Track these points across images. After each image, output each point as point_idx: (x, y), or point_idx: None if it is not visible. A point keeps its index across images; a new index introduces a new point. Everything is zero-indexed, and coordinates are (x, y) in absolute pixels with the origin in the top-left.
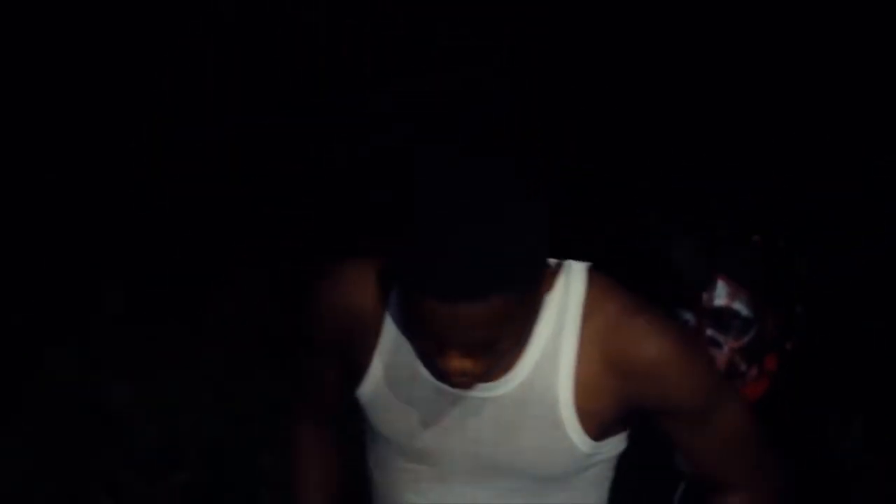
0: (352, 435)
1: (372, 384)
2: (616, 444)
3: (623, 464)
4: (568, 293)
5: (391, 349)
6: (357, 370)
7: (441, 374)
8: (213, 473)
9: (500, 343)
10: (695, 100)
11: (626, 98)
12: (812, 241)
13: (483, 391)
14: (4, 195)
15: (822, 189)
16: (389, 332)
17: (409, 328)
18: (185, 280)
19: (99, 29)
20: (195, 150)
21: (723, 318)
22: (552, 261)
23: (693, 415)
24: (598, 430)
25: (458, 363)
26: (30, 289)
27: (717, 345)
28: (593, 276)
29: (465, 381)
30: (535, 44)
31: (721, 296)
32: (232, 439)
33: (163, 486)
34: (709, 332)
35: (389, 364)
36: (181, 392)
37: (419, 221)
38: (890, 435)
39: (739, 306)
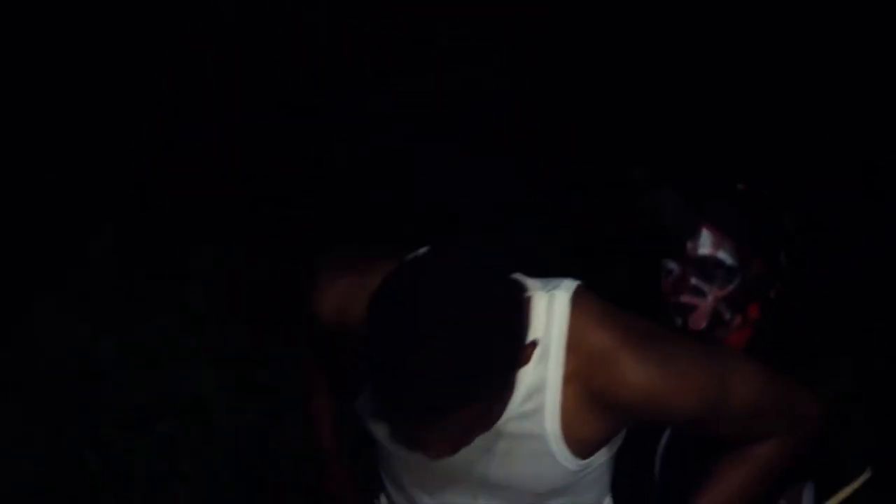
0: None
1: (365, 398)
2: (611, 449)
3: None
4: (551, 327)
5: None
6: (352, 380)
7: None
8: (198, 426)
9: (476, 431)
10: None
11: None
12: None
13: None
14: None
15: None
16: None
17: None
18: (170, 233)
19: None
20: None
21: (707, 267)
22: (538, 291)
23: (699, 419)
24: (589, 450)
25: (433, 450)
26: (14, 242)
27: (702, 294)
28: (577, 304)
29: (445, 455)
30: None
31: (705, 245)
32: (217, 391)
33: (148, 439)
34: (693, 280)
35: None
36: (165, 345)
37: (381, 344)
38: (876, 381)
39: (724, 255)
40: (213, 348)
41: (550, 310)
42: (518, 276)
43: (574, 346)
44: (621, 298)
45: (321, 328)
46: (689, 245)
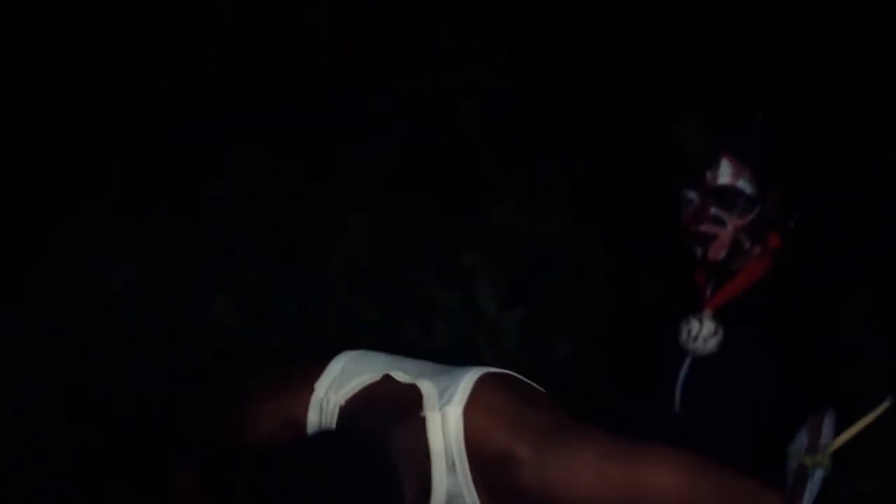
0: None
1: None
2: None
3: (631, 341)
4: (450, 441)
5: None
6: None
7: None
8: (216, 354)
9: None
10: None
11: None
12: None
13: None
14: None
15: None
16: None
17: None
18: (185, 160)
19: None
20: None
21: (727, 196)
22: (431, 412)
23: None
24: None
25: None
26: (29, 173)
27: (722, 223)
28: (470, 413)
29: None
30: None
31: (725, 174)
32: (234, 319)
33: (166, 368)
34: (713, 210)
35: None
36: (183, 273)
37: None
38: (893, 313)
39: (743, 184)
40: (231, 276)
41: (446, 427)
42: (418, 383)
43: (474, 455)
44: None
45: (233, 448)
46: (709, 175)
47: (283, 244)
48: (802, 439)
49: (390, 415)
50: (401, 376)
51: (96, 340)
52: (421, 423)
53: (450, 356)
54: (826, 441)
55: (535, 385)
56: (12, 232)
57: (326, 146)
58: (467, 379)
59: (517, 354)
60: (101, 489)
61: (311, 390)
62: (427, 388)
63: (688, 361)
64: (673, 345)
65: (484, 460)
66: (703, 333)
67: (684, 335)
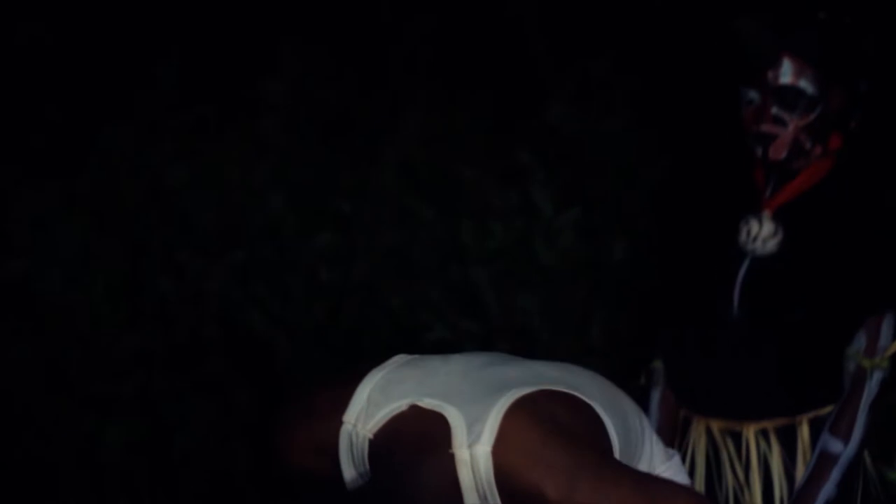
0: None
1: None
2: None
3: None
4: (480, 481)
5: None
6: None
7: None
8: (270, 251)
9: None
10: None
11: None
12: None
13: None
14: None
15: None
16: None
17: None
18: (241, 59)
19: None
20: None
21: (788, 96)
22: (460, 449)
23: None
24: None
25: None
26: (83, 70)
27: (783, 123)
28: (499, 451)
29: None
30: None
31: (787, 74)
32: (290, 218)
33: (221, 265)
34: (774, 110)
35: None
36: (238, 172)
37: None
38: None
39: (805, 84)
40: (287, 175)
41: (475, 467)
42: (445, 413)
43: (505, 492)
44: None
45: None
46: (771, 74)
47: (338, 144)
48: (861, 341)
49: (420, 450)
50: (427, 403)
51: (152, 237)
52: (450, 461)
53: (505, 256)
54: (885, 343)
55: (567, 389)
56: (68, 126)
57: (382, 46)
58: (496, 412)
59: (572, 254)
60: (156, 389)
61: (340, 422)
62: (454, 419)
63: (746, 263)
64: (732, 246)
65: (516, 497)
66: (762, 234)
67: (743, 235)
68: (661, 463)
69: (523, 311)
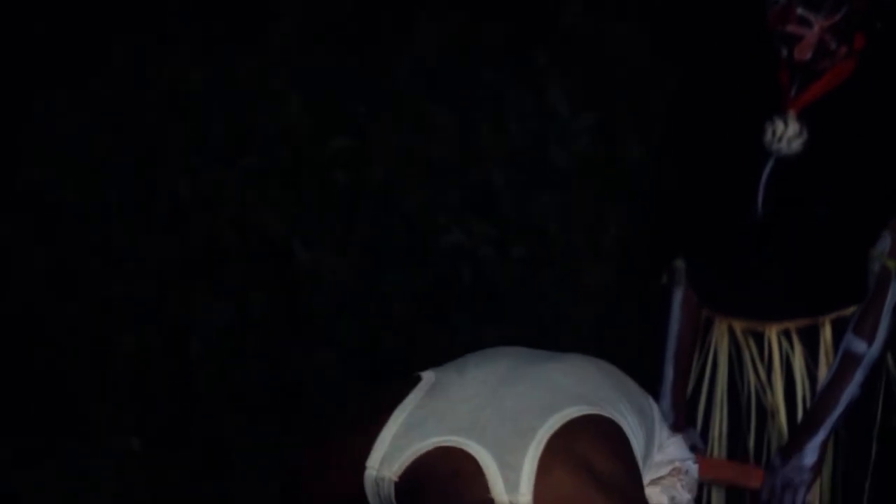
0: None
1: None
2: None
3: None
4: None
5: None
6: None
7: None
8: (285, 158)
9: None
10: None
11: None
12: None
13: None
14: None
15: None
16: None
17: None
18: None
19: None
20: None
21: None
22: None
23: None
24: None
25: None
26: None
27: (808, 24)
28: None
29: None
30: None
31: None
32: (306, 121)
33: (236, 171)
34: (799, 10)
35: None
36: (253, 77)
37: None
38: None
39: None
40: (303, 79)
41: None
42: (474, 453)
43: None
44: None
45: None
46: None
47: (354, 47)
48: (886, 242)
49: (451, 493)
50: (453, 441)
51: (166, 144)
52: None
53: (521, 157)
54: None
55: (589, 407)
56: (82, 34)
57: None
58: (530, 461)
59: (588, 156)
60: (173, 293)
61: (364, 468)
62: (485, 461)
63: (770, 163)
64: (756, 146)
65: None
66: (787, 134)
67: (768, 135)
68: (668, 438)
69: (539, 214)
